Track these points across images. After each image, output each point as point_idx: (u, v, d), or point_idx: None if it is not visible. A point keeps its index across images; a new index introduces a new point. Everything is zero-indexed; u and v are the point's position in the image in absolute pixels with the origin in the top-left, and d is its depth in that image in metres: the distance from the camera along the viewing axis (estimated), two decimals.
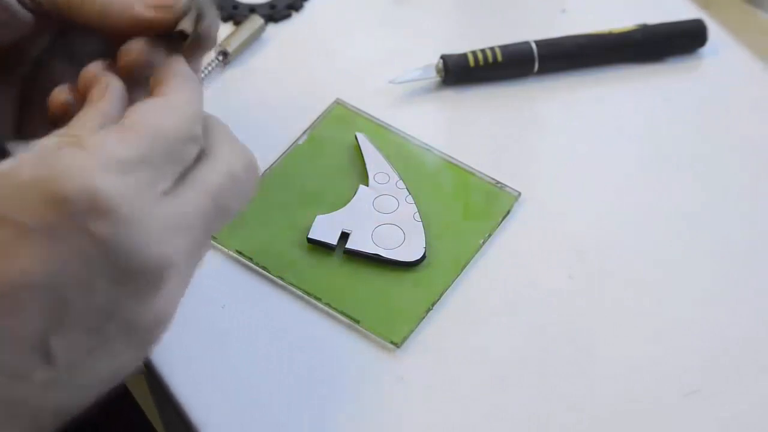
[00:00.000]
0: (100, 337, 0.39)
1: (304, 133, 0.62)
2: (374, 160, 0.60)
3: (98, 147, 0.39)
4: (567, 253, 0.58)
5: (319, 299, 0.55)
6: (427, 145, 0.62)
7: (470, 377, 0.53)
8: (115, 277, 0.38)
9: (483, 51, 0.65)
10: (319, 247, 0.57)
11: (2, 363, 0.38)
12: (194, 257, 0.41)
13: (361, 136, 0.61)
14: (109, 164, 0.38)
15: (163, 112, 0.41)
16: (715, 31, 0.67)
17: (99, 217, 0.37)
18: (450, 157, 0.61)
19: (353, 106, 0.64)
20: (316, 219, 0.58)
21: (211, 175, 0.41)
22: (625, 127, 0.64)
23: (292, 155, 0.61)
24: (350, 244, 0.57)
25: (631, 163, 0.62)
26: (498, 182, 0.60)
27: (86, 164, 0.38)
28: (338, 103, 0.64)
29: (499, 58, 0.65)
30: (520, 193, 0.59)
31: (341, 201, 0.59)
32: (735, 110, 0.65)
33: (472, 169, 0.61)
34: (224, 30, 0.67)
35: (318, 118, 0.63)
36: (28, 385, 0.38)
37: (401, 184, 0.59)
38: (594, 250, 0.58)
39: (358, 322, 0.55)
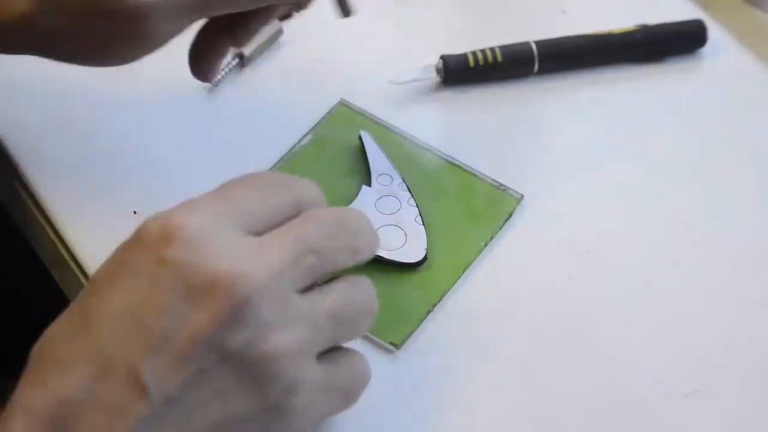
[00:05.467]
0: None
1: (308, 133, 0.62)
2: (377, 160, 0.60)
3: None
4: (567, 253, 0.58)
5: None
6: (429, 145, 0.62)
7: (471, 378, 0.53)
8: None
9: (483, 51, 0.65)
10: None
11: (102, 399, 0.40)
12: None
13: (365, 136, 0.61)
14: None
15: None
16: (715, 32, 0.67)
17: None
18: (450, 157, 0.61)
19: (357, 107, 0.64)
20: None
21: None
22: (624, 127, 0.64)
23: (296, 155, 0.61)
24: None
25: (631, 163, 0.62)
26: (501, 184, 0.60)
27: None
28: (342, 103, 0.64)
29: (499, 58, 0.65)
30: (522, 196, 0.59)
31: (343, 201, 0.59)
32: (735, 110, 0.65)
33: (475, 170, 0.61)
34: None
35: (322, 118, 0.63)
36: (129, 421, 0.40)
37: (404, 185, 0.59)
38: (594, 250, 0.58)
39: None
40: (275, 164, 0.61)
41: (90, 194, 0.59)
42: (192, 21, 0.53)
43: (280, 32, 0.67)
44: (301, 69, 0.66)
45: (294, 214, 0.45)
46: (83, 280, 0.57)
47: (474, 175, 0.61)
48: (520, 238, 0.58)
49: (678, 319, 0.56)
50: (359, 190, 0.59)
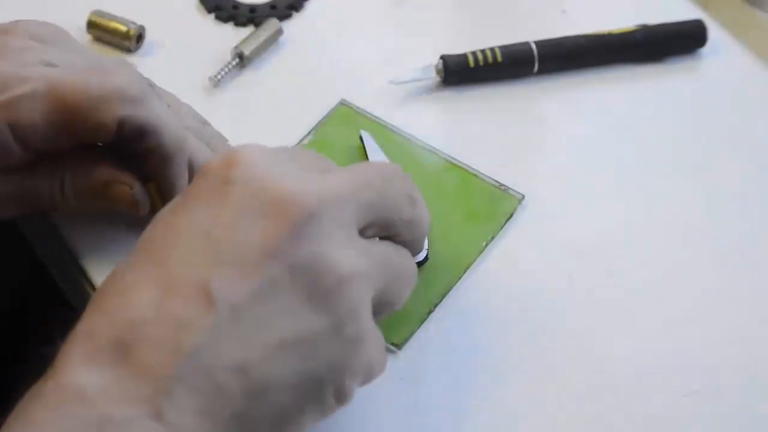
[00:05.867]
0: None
1: (308, 133, 0.62)
2: (377, 158, 0.60)
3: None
4: (567, 253, 0.58)
5: None
6: (429, 146, 0.62)
7: (471, 379, 0.53)
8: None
9: (483, 51, 0.65)
10: None
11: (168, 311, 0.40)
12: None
13: (365, 135, 0.61)
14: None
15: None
16: (715, 32, 0.67)
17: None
18: (451, 157, 0.61)
19: (357, 107, 0.64)
20: None
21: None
22: (624, 127, 0.64)
23: None
24: None
25: (631, 163, 0.62)
26: (501, 184, 0.60)
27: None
28: (343, 103, 0.64)
29: (499, 58, 0.65)
30: (523, 196, 0.59)
31: None
32: (735, 110, 0.65)
33: (475, 170, 0.61)
34: (242, 33, 0.67)
35: (322, 118, 0.63)
36: (194, 333, 0.40)
37: None
38: (594, 250, 0.58)
39: None
40: None
41: None
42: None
43: (280, 32, 0.67)
44: (301, 69, 0.66)
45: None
46: (83, 281, 0.57)
47: (475, 175, 0.61)
48: (520, 238, 0.58)
49: (678, 318, 0.56)
50: None
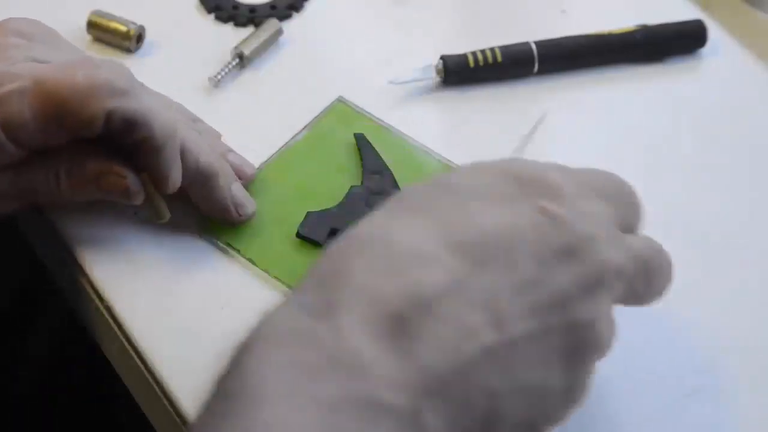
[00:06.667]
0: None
1: (303, 129, 0.62)
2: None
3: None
4: None
5: None
6: (425, 147, 0.62)
7: None
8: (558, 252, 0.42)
9: (483, 51, 0.65)
10: (308, 242, 0.57)
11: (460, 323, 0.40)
12: None
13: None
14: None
15: None
16: (715, 32, 0.68)
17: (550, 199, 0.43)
18: (448, 160, 0.61)
19: (355, 105, 0.64)
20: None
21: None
22: (625, 127, 0.64)
23: (290, 151, 0.61)
24: None
25: (631, 163, 0.62)
26: None
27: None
28: (340, 101, 0.64)
29: (499, 58, 0.65)
30: None
31: (335, 198, 0.59)
32: (735, 110, 0.65)
33: None
34: (242, 33, 0.67)
35: (318, 115, 0.63)
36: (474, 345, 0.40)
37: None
38: None
39: None
40: (268, 159, 0.61)
41: None
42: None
43: (280, 32, 0.67)
44: (301, 69, 0.66)
45: None
46: (83, 281, 0.57)
47: None
48: None
49: (679, 318, 0.55)
50: (351, 188, 0.59)
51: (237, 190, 0.57)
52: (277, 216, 0.58)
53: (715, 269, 0.58)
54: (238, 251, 0.57)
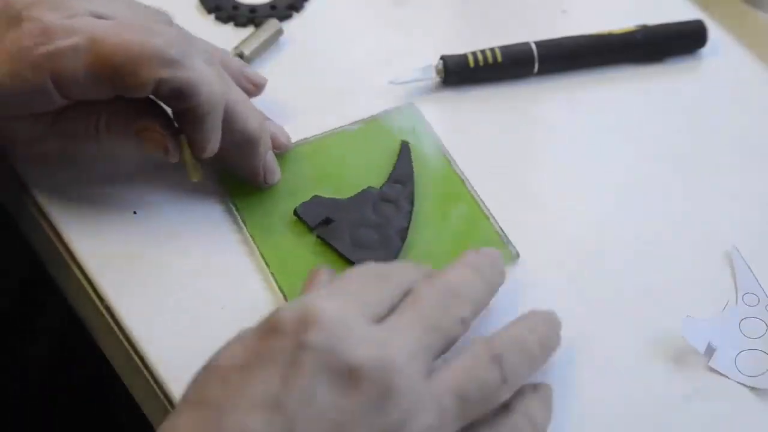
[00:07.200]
0: None
1: (358, 121, 0.62)
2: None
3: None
4: (567, 253, 0.58)
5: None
6: (457, 166, 0.61)
7: None
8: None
9: (483, 51, 0.65)
10: (302, 223, 0.58)
11: None
12: None
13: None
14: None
15: None
16: (715, 32, 0.68)
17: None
18: (467, 180, 0.60)
19: (419, 112, 0.63)
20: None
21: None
22: (625, 127, 0.64)
23: (334, 137, 0.62)
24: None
25: (631, 163, 0.62)
26: (504, 235, 0.58)
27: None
28: (411, 105, 0.63)
29: (499, 58, 0.65)
30: (518, 255, 0.57)
31: (351, 193, 0.59)
32: (735, 110, 0.65)
33: (489, 211, 0.59)
34: (242, 33, 0.67)
35: (389, 109, 0.63)
36: None
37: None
38: (594, 250, 0.58)
39: None
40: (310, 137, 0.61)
41: (90, 194, 0.59)
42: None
43: (280, 32, 0.67)
44: (301, 69, 0.66)
45: (401, 296, 0.47)
46: (83, 281, 0.57)
47: (487, 217, 0.59)
48: (517, 237, 0.58)
49: (678, 319, 0.55)
50: (366, 188, 0.59)
51: (270, 156, 0.58)
52: (290, 190, 0.59)
53: (715, 268, 0.58)
54: (245, 223, 0.58)
